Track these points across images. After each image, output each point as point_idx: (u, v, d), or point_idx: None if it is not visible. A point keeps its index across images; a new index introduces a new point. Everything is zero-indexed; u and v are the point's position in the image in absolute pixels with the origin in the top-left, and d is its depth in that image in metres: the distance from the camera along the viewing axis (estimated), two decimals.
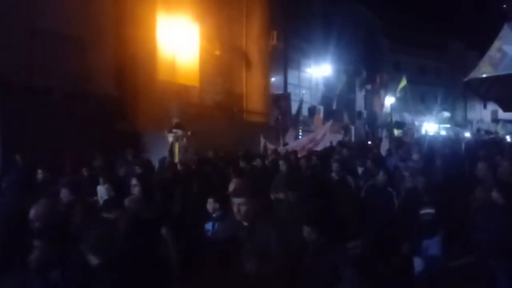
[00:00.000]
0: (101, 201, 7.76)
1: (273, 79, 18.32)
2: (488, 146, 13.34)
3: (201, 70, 13.30)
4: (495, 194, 4.81)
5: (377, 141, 15.12)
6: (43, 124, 8.89)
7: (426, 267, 5.08)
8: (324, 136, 10.95)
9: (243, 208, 3.31)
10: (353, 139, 20.92)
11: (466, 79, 7.20)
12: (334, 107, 24.55)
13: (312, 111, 21.96)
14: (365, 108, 30.70)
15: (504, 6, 19.37)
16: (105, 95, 10.65)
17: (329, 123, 12.12)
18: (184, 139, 8.85)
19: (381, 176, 6.24)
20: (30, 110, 8.80)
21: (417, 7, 45.70)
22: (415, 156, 9.07)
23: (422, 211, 5.26)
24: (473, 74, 6.94)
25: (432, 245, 5.23)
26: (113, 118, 10.93)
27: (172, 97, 12.16)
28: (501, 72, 6.26)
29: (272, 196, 5.95)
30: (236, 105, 15.19)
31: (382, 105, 27.59)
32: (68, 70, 9.92)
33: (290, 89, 20.50)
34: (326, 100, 24.01)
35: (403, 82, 22.06)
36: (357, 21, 26.99)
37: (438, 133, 28.46)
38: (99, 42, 10.78)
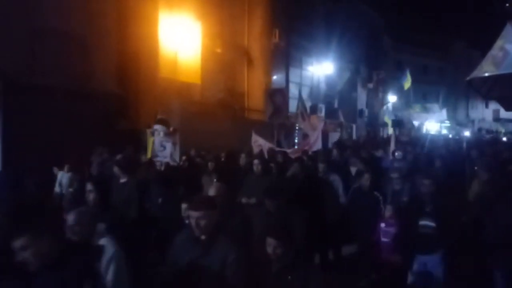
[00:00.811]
0: (57, 187, 7.92)
1: (274, 77, 18.31)
2: (488, 144, 13.42)
3: (203, 68, 13.30)
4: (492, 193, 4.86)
5: (379, 140, 15.09)
6: (45, 123, 8.91)
7: (423, 284, 4.71)
8: (317, 138, 10.68)
9: (202, 223, 2.93)
10: (354, 137, 20.92)
11: (468, 78, 7.14)
12: (335, 105, 24.56)
13: (313, 109, 21.95)
14: (367, 106, 30.67)
15: (507, 5, 19.30)
16: (107, 93, 10.65)
17: (321, 124, 11.81)
18: (161, 134, 7.82)
19: (365, 179, 5.87)
20: (32, 109, 8.81)
21: (420, 6, 45.63)
22: (398, 155, 8.77)
23: (422, 222, 4.66)
24: (475, 73, 6.89)
25: (431, 262, 4.71)
26: (115, 116, 10.95)
27: (173, 95, 12.18)
28: (503, 71, 6.22)
29: (243, 200, 5.55)
30: (237, 103, 15.19)
31: (381, 103, 27.45)
32: (70, 69, 9.92)
33: (291, 87, 20.48)
34: (327, 99, 24.01)
35: (409, 80, 22.07)
36: (359, 20, 26.93)
37: (440, 132, 28.43)
38: (101, 41, 10.78)
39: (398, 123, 30.07)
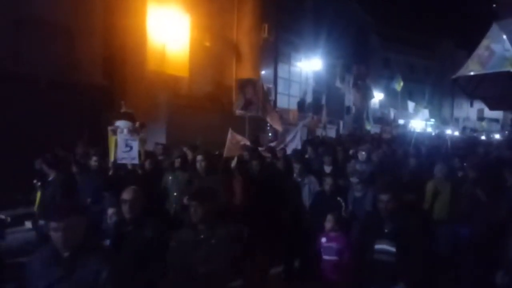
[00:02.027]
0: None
1: (263, 72, 18.29)
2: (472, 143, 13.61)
3: (191, 61, 13.17)
4: (479, 191, 4.92)
5: (362, 137, 15.10)
6: (30, 113, 8.76)
7: None
8: (295, 138, 9.90)
9: (62, 235, 2.44)
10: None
11: (454, 77, 7.27)
12: (323, 101, 24.68)
13: (301, 105, 22.04)
14: (354, 103, 30.89)
15: (494, 5, 19.62)
16: (93, 84, 10.51)
17: (300, 124, 11.01)
18: (125, 131, 6.73)
19: (326, 183, 5.39)
20: (16, 98, 8.66)
21: (409, 5, 46.01)
22: (361, 156, 7.60)
23: (379, 246, 3.73)
24: (461, 72, 7.01)
25: None
26: (101, 107, 10.81)
27: (161, 87, 12.07)
28: (488, 70, 6.34)
29: (185, 201, 4.82)
30: (225, 96, 15.13)
31: (362, 98, 27.25)
32: (55, 59, 9.76)
33: (280, 83, 20.51)
34: (315, 95, 24.11)
35: (400, 81, 22.47)
36: (348, 17, 27.06)
37: (425, 130, 28.85)
38: (87, 31, 10.61)
39: (380, 120, 30.48)
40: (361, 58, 29.81)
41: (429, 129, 29.78)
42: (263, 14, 16.99)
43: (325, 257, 4.56)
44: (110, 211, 3.89)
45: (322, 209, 5.03)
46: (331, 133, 20.96)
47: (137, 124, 7.31)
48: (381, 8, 34.32)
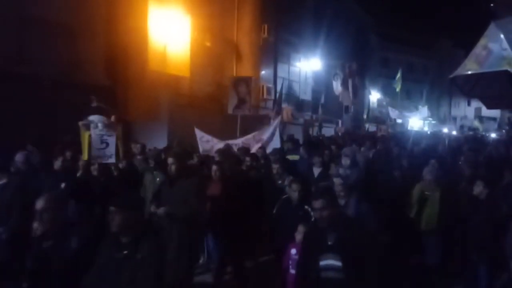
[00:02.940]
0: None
1: (262, 72, 18.40)
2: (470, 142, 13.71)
3: (192, 61, 13.29)
4: (477, 189, 4.98)
5: (358, 136, 15.15)
6: (32, 113, 8.84)
7: None
8: (273, 135, 9.30)
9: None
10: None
11: (451, 76, 7.36)
12: (322, 101, 24.78)
13: (300, 105, 22.15)
14: (353, 104, 30.99)
15: (492, 5, 19.77)
16: (95, 85, 10.57)
17: (278, 120, 10.28)
18: (99, 126, 6.06)
19: (293, 189, 4.74)
20: (19, 98, 8.73)
21: (408, 5, 46.13)
22: (344, 161, 6.64)
23: (324, 262, 3.19)
24: (459, 71, 7.10)
25: None
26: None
27: (162, 87, 12.18)
28: (486, 69, 6.43)
29: (152, 209, 4.63)
30: (225, 96, 15.23)
31: (350, 95, 26.91)
32: (58, 59, 9.85)
33: (279, 82, 20.60)
34: (315, 94, 24.22)
35: (399, 81, 22.56)
36: (347, 17, 27.17)
37: (422, 129, 28.94)
38: (90, 31, 10.70)
39: (378, 119, 30.59)
40: (360, 58, 29.91)
41: (426, 128, 29.89)
42: (263, 15, 17.10)
43: (291, 271, 4.11)
44: (35, 224, 3.20)
45: (287, 217, 4.61)
46: (330, 132, 21.05)
47: (113, 118, 6.65)
48: (380, 8, 34.48)
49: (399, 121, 26.20)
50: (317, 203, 3.27)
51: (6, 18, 8.95)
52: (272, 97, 19.31)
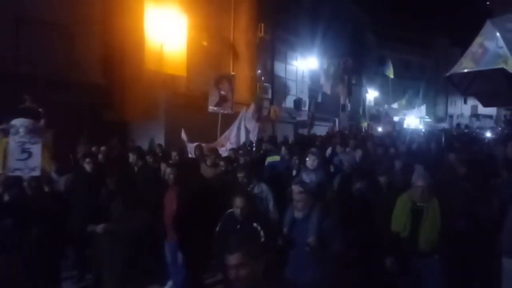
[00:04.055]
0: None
1: (259, 71, 18.41)
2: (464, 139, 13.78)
3: (188, 60, 13.28)
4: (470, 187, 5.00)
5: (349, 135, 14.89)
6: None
7: None
8: (239, 130, 8.87)
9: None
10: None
11: (448, 74, 7.36)
12: (319, 99, 24.81)
13: (297, 103, 22.15)
14: (349, 101, 31.05)
15: (488, 3, 19.85)
16: (92, 84, 10.57)
17: (242, 113, 9.66)
18: (21, 132, 5.04)
19: (237, 205, 3.97)
20: (15, 98, 8.68)
21: (404, 4, 46.19)
22: (310, 162, 5.76)
23: None
24: (455, 69, 7.10)
25: None
26: (100, 107, 10.87)
27: (159, 87, 12.15)
28: (482, 67, 6.44)
29: (88, 229, 4.34)
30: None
31: (345, 92, 26.74)
32: (54, 59, 9.82)
33: (276, 81, 20.62)
34: (312, 93, 24.23)
35: (391, 69, 22.52)
36: (344, 16, 27.18)
37: (418, 127, 29.01)
38: (86, 31, 10.67)
39: (373, 117, 30.56)
40: (357, 57, 29.95)
41: (420, 126, 29.95)
42: (260, 14, 17.09)
43: None
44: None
45: (229, 238, 3.79)
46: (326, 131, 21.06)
47: (42, 122, 5.67)
48: (377, 7, 34.55)
49: (395, 119, 26.23)
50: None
51: (2, 18, 8.91)
52: (269, 96, 19.34)
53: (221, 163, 6.50)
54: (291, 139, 15.09)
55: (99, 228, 4.13)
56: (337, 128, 25.22)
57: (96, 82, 10.76)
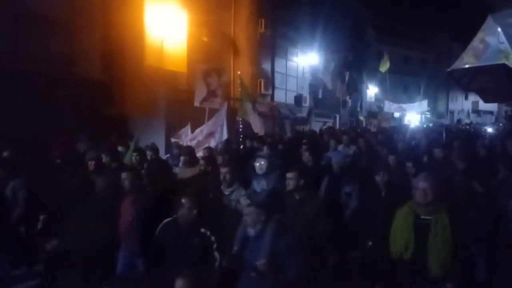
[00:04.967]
0: None
1: (260, 67, 18.37)
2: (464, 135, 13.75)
3: (189, 56, 13.25)
4: (475, 182, 4.98)
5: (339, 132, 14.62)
6: (28, 109, 8.79)
7: None
8: (222, 127, 8.61)
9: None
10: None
11: (449, 69, 7.33)
12: (319, 95, 24.77)
13: (298, 99, 22.13)
14: (350, 97, 31.00)
15: None
16: (92, 80, 10.54)
17: (224, 107, 9.25)
18: None
19: (185, 206, 3.40)
20: (15, 94, 8.68)
21: None
22: (259, 166, 5.05)
23: None
24: (456, 65, 7.06)
25: None
26: (100, 103, 10.86)
27: (159, 83, 12.13)
28: (483, 63, 6.40)
29: (47, 247, 3.89)
30: (224, 92, 15.21)
31: (343, 89, 26.43)
32: (54, 55, 9.78)
33: (277, 77, 20.58)
34: (312, 89, 24.20)
35: (386, 62, 22.41)
36: (345, 11, 27.08)
37: (419, 122, 29.00)
38: (86, 26, 10.62)
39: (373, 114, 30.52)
40: (357, 52, 29.87)
41: (417, 123, 29.96)
42: (260, 9, 17.05)
43: None
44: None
45: (174, 250, 3.33)
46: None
47: None
48: (377, 2, 34.44)
49: (396, 115, 26.20)
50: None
51: (1, 14, 8.87)
52: (270, 92, 19.30)
53: (201, 162, 5.83)
54: (287, 135, 15.03)
55: (50, 245, 3.59)
56: (337, 125, 25.22)
57: (96, 78, 10.74)
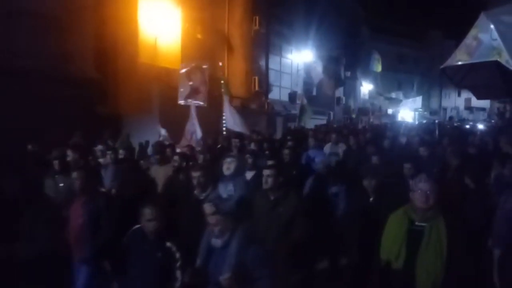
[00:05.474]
0: None
1: (254, 64, 18.35)
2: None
3: (183, 54, 13.20)
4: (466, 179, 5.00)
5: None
6: (22, 107, 8.72)
7: None
8: (195, 126, 8.59)
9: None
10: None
11: (442, 66, 7.37)
12: (313, 93, 24.82)
13: (292, 96, 22.16)
14: (344, 94, 31.12)
15: None
16: (85, 78, 10.47)
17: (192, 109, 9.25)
18: None
19: (146, 217, 3.05)
20: (7, 92, 8.60)
21: None
22: (226, 168, 4.77)
23: None
24: (449, 62, 7.11)
25: None
26: (94, 101, 10.79)
27: (153, 80, 12.08)
28: (476, 60, 6.44)
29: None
30: (217, 89, 15.16)
31: (331, 82, 26.18)
32: (46, 52, 9.70)
33: (271, 74, 20.58)
34: (306, 86, 24.24)
35: (378, 65, 22.53)
36: (339, 9, 27.13)
37: (412, 119, 29.16)
38: (79, 24, 10.55)
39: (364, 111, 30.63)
40: (351, 50, 29.97)
41: (410, 120, 30.15)
42: (254, 6, 17.03)
43: None
44: None
45: (138, 262, 3.08)
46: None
47: None
48: (371, 0, 34.46)
49: (389, 111, 26.34)
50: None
51: None
52: (264, 89, 19.30)
53: (175, 157, 5.57)
54: (280, 132, 15.03)
55: None
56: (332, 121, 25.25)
57: (89, 75, 10.67)
